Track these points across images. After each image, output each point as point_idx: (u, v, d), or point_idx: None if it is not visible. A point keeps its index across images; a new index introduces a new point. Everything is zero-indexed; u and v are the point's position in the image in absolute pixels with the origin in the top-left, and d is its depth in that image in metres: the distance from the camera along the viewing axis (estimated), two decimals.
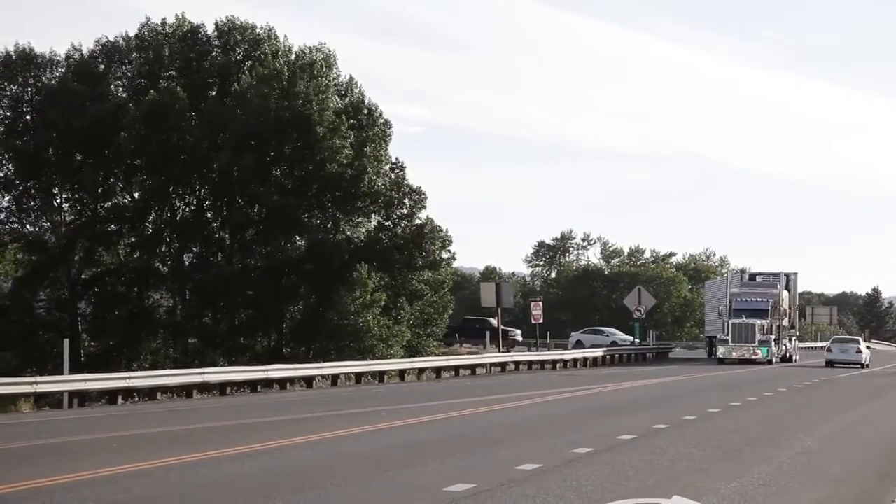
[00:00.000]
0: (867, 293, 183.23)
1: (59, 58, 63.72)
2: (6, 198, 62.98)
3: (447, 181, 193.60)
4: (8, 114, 63.29)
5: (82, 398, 34.23)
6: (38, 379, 33.29)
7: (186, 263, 64.81)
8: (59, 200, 64.24)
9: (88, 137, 60.95)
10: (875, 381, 50.23)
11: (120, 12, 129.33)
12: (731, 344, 65.44)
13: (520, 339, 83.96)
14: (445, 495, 14.54)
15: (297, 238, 63.37)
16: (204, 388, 38.20)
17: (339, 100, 64.18)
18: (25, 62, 63.02)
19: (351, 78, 65.27)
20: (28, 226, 64.29)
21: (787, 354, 70.43)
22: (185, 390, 37.50)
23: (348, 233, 62.65)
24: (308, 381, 43.24)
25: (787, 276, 73.53)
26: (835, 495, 15.76)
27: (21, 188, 62.96)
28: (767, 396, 35.87)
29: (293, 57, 63.15)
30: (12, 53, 63.08)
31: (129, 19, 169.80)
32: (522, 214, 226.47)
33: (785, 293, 70.94)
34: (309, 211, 62.66)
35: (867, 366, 65.56)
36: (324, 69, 62.51)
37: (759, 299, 67.64)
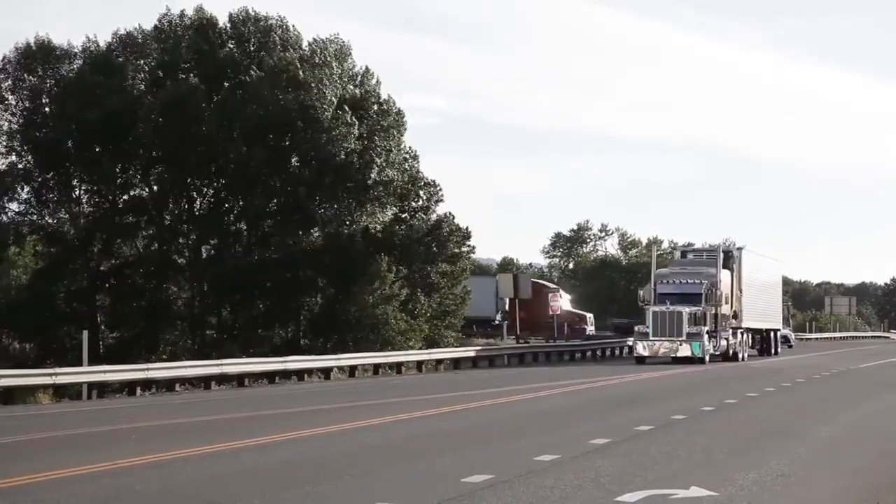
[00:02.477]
0: (887, 283, 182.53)
1: (77, 50, 63.79)
2: (25, 190, 63.09)
3: (464, 172, 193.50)
4: (27, 105, 63.36)
5: (101, 390, 34.31)
6: (58, 371, 33.44)
7: (204, 255, 64.88)
8: (77, 192, 64.34)
9: (107, 129, 60.98)
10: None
11: (137, 4, 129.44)
12: (652, 338, 53.03)
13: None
14: (464, 486, 14.55)
15: (314, 230, 63.34)
16: (222, 379, 38.30)
17: (353, 90, 64.02)
18: (44, 54, 63.09)
19: (366, 69, 65.21)
20: (47, 218, 64.38)
21: (732, 351, 56.29)
22: (204, 382, 37.60)
23: (364, 223, 62.57)
24: (326, 372, 43.32)
25: (729, 251, 58.51)
26: None
27: (40, 180, 63.04)
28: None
29: (305, 47, 63.06)
30: (32, 45, 63.16)
31: (146, 12, 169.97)
32: (539, 205, 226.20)
33: (725, 273, 56.29)
34: (325, 202, 62.62)
35: None
36: (332, 60, 62.27)
37: (689, 281, 54.38)
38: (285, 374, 41.28)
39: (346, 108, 60.81)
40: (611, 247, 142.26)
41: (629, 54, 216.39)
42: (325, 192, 62.00)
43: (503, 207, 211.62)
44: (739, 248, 59.70)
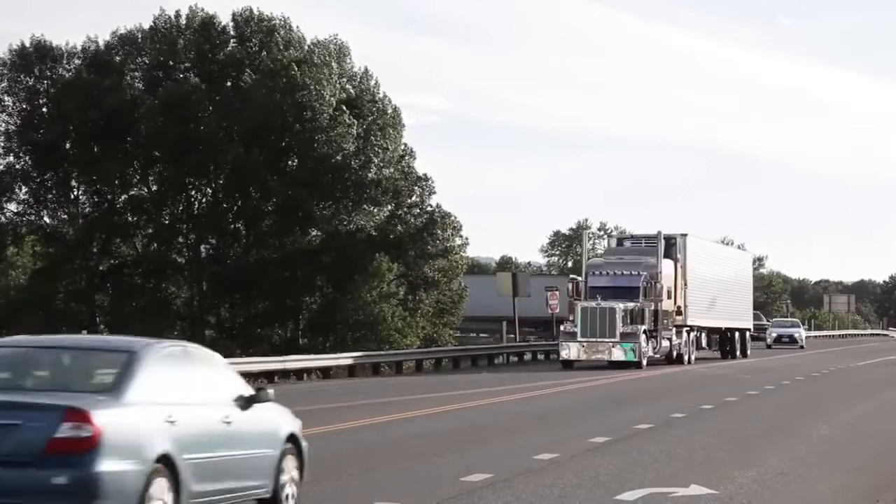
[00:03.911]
0: (885, 281, 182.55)
1: (75, 49, 63.74)
2: (23, 190, 63.07)
3: (463, 171, 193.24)
4: (24, 106, 63.32)
5: None
6: None
7: (203, 255, 64.87)
8: (76, 192, 64.31)
9: (105, 129, 60.95)
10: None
11: (136, 3, 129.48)
12: (580, 339, 45.05)
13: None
14: (463, 485, 14.55)
15: (312, 230, 63.32)
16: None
17: (351, 90, 63.97)
18: (40, 54, 63.04)
19: (366, 69, 65.17)
20: (46, 218, 64.39)
21: (675, 353, 48.53)
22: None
23: (361, 223, 62.58)
24: (325, 371, 43.28)
25: (671, 239, 49.54)
26: None
27: (38, 180, 63.01)
28: None
29: (306, 48, 63.03)
30: (28, 45, 63.12)
31: (145, 10, 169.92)
32: (538, 204, 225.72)
33: (667, 264, 48.25)
34: (323, 201, 62.60)
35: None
36: (331, 60, 62.23)
37: (625, 272, 46.89)
38: (284, 374, 41.25)
39: (345, 108, 60.77)
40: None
41: (629, 54, 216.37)
42: (323, 192, 61.98)
43: (502, 206, 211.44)
44: (683, 235, 50.33)
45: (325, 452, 18.40)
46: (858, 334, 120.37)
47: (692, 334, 50.53)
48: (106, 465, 10.28)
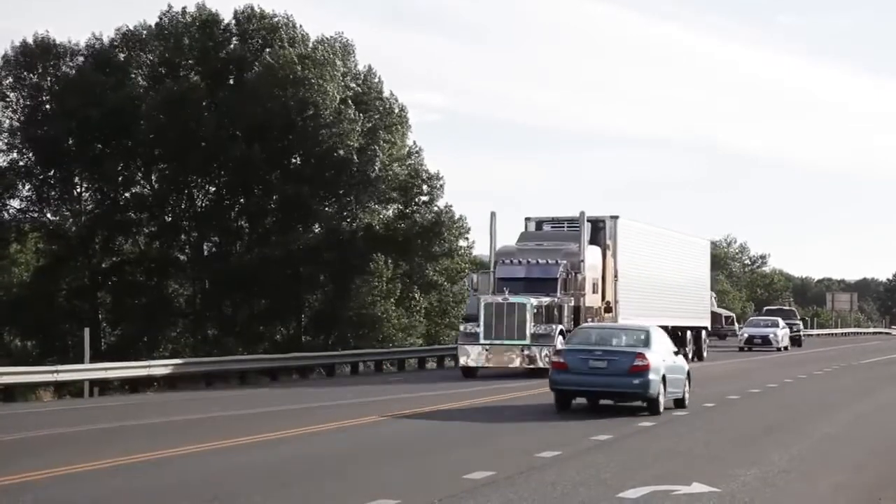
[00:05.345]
0: (888, 279, 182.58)
1: (78, 47, 63.77)
2: (26, 187, 63.07)
3: (464, 169, 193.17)
4: (28, 103, 63.33)
5: (103, 387, 34.33)
6: (59, 368, 33.40)
7: (205, 252, 64.91)
8: (78, 189, 64.34)
9: (108, 126, 60.98)
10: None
11: (137, 2, 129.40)
12: (484, 342, 37.49)
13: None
14: (465, 482, 14.56)
15: (316, 226, 63.36)
16: (224, 376, 38.31)
17: (356, 87, 64.05)
18: (43, 51, 63.07)
19: (369, 67, 65.25)
20: (48, 215, 64.37)
21: None
22: (205, 379, 37.60)
23: (367, 220, 62.61)
24: (328, 368, 43.30)
25: (599, 222, 42.19)
26: None
27: (41, 178, 63.02)
28: None
29: (310, 46, 63.06)
30: (31, 43, 63.15)
31: (145, 10, 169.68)
32: (541, 202, 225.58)
33: (593, 252, 40.94)
34: (324, 199, 62.64)
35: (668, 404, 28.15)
36: (335, 57, 62.27)
37: (541, 261, 39.30)
38: (287, 371, 41.29)
39: (350, 103, 60.85)
40: None
41: (629, 52, 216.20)
42: (326, 189, 62.02)
43: (504, 205, 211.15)
44: (614, 217, 42.57)
45: (327, 449, 18.44)
46: (861, 332, 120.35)
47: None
48: (650, 376, 24.02)
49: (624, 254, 42.81)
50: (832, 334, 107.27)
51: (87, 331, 37.57)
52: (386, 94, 64.23)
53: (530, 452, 17.33)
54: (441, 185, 63.76)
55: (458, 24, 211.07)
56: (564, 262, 39.13)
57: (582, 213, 40.14)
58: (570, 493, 13.93)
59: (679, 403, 25.90)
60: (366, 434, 20.87)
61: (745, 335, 66.11)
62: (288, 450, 18.29)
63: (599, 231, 41.89)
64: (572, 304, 39.12)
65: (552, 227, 43.02)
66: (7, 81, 63.18)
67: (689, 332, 49.06)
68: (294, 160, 63.37)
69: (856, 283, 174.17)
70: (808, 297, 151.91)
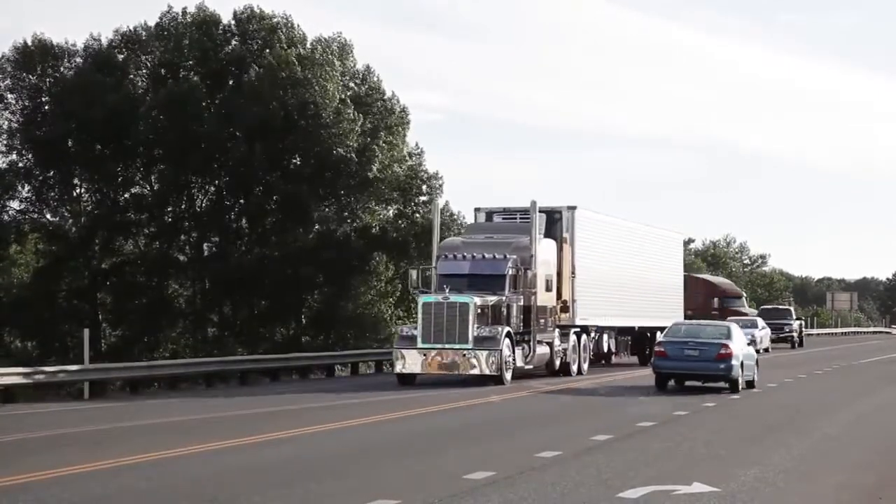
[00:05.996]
0: (888, 278, 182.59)
1: (77, 48, 63.77)
2: (26, 188, 63.08)
3: (464, 169, 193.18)
4: (27, 104, 63.35)
5: (103, 388, 34.32)
6: (59, 369, 33.39)
7: (205, 253, 64.93)
8: (78, 190, 64.35)
9: (107, 127, 60.97)
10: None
11: (136, 2, 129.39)
12: (422, 345, 33.66)
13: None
14: (466, 483, 14.56)
15: (316, 226, 63.37)
16: (224, 376, 38.30)
17: (355, 87, 64.11)
18: (42, 52, 63.07)
19: (368, 67, 65.29)
20: (48, 216, 64.39)
21: (559, 361, 37.56)
22: (206, 379, 37.60)
23: (367, 221, 62.63)
24: (328, 368, 43.29)
25: (555, 213, 38.31)
26: None
27: (41, 178, 63.02)
28: None
29: (308, 46, 63.10)
30: (29, 44, 63.14)
31: (144, 10, 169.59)
32: (540, 201, 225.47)
33: (547, 246, 37.11)
34: (323, 199, 62.64)
35: (744, 384, 32.38)
36: (333, 58, 62.28)
37: (488, 255, 35.28)
38: (287, 371, 41.29)
39: (349, 102, 60.89)
40: None
41: (629, 52, 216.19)
42: (326, 189, 62.02)
43: (504, 204, 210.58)
44: (571, 208, 38.70)
45: (328, 450, 18.45)
46: (861, 332, 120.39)
47: (586, 337, 39.61)
48: (733, 362, 30.84)
49: (583, 248, 39.14)
50: (832, 334, 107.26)
51: (86, 331, 37.50)
52: (388, 94, 64.35)
53: (530, 452, 17.33)
54: (440, 185, 63.82)
55: (459, 24, 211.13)
56: (514, 256, 35.18)
57: (533, 203, 36.12)
58: (570, 493, 13.93)
59: (749, 384, 32.27)
60: (366, 434, 20.88)
61: None
62: (288, 450, 18.30)
63: (555, 223, 38.07)
64: (521, 303, 35.28)
65: (503, 218, 38.90)
66: (6, 83, 63.21)
67: (658, 334, 43.25)
68: (294, 160, 63.39)
69: (856, 283, 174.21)
70: (808, 297, 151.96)
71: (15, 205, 63.11)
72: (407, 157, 64.02)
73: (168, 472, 15.80)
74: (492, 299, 34.32)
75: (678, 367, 31.30)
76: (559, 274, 37.64)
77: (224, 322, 63.21)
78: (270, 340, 61.23)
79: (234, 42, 63.81)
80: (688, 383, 31.57)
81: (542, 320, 36.16)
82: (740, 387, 31.29)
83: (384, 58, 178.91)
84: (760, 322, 61.72)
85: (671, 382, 31.57)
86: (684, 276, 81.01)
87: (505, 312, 34.71)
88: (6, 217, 63.09)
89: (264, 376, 39.35)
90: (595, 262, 40.06)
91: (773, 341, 62.83)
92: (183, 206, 64.46)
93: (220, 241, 64.76)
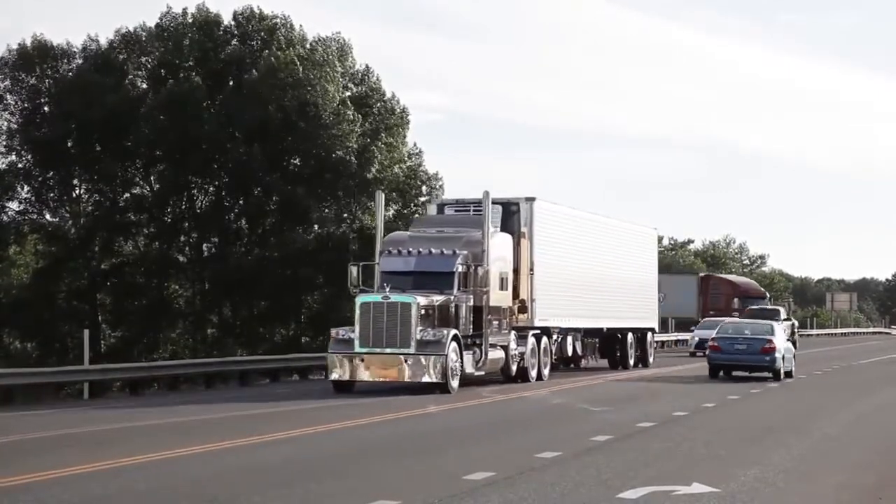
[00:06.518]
0: (888, 279, 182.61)
1: (74, 49, 63.82)
2: (25, 189, 63.17)
3: (464, 169, 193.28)
4: (26, 105, 63.42)
5: (103, 388, 34.32)
6: (59, 369, 33.39)
7: (205, 253, 64.97)
8: (78, 191, 64.41)
9: (107, 128, 61.05)
10: None
11: (134, 3, 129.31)
12: (360, 350, 30.33)
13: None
14: (465, 483, 14.56)
15: (316, 228, 63.41)
16: (224, 377, 38.28)
17: (353, 88, 64.18)
18: (41, 53, 63.10)
19: (367, 67, 65.35)
20: (47, 216, 64.51)
21: (516, 366, 33.95)
22: (205, 380, 37.58)
23: (366, 222, 62.65)
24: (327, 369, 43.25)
25: (512, 205, 35.08)
26: None
27: (40, 179, 63.12)
28: None
29: (308, 46, 63.15)
30: (28, 45, 63.17)
31: (149, 9, 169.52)
32: (540, 201, 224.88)
33: (501, 241, 33.66)
34: (322, 200, 62.67)
35: (784, 374, 37.19)
36: (333, 58, 62.32)
37: (435, 251, 31.95)
38: (287, 372, 41.29)
39: (349, 104, 60.94)
40: None
41: (629, 52, 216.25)
42: (325, 190, 62.04)
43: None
44: (530, 200, 35.54)
45: (328, 450, 18.45)
46: (860, 332, 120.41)
47: (547, 339, 35.93)
48: (776, 355, 36.42)
49: (543, 243, 35.76)
50: (831, 334, 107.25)
51: (86, 332, 37.53)
52: (387, 95, 64.44)
53: (530, 453, 17.32)
54: (440, 186, 63.88)
55: (458, 24, 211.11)
56: (465, 252, 31.81)
57: (486, 193, 32.79)
58: (569, 494, 13.93)
59: (788, 374, 37.69)
60: (366, 434, 20.88)
61: (696, 339, 57.51)
62: (288, 450, 18.30)
63: (512, 216, 34.78)
64: (472, 303, 31.86)
65: (456, 210, 35.73)
66: (5, 84, 63.28)
67: (630, 335, 42.77)
68: (294, 161, 63.44)
69: (855, 283, 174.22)
70: (808, 297, 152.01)
71: (14, 206, 63.33)
72: (406, 158, 64.08)
73: (168, 472, 15.80)
74: (438, 299, 31.03)
75: (729, 360, 36.86)
76: (516, 271, 34.27)
77: (224, 323, 63.22)
78: (270, 341, 61.26)
79: (233, 43, 63.85)
80: (735, 373, 36.98)
81: (496, 322, 32.69)
82: (781, 376, 36.59)
83: (384, 58, 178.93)
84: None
85: (720, 373, 36.95)
86: (706, 275, 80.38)
87: (453, 313, 31.30)
88: (5, 218, 63.23)
89: (264, 377, 39.34)
90: (557, 259, 36.86)
91: None
92: (183, 207, 64.52)
93: (220, 241, 64.80)
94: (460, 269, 31.57)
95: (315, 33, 64.49)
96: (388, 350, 30.18)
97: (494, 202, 33.42)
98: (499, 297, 32.84)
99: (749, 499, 13.87)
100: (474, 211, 34.21)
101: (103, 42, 63.73)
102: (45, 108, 63.49)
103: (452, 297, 31.31)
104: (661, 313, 61.47)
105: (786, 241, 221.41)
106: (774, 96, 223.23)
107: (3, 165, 62.93)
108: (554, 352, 36.81)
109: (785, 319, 65.84)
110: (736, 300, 71.52)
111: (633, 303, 43.36)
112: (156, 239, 64.67)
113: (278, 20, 63.80)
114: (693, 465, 16.60)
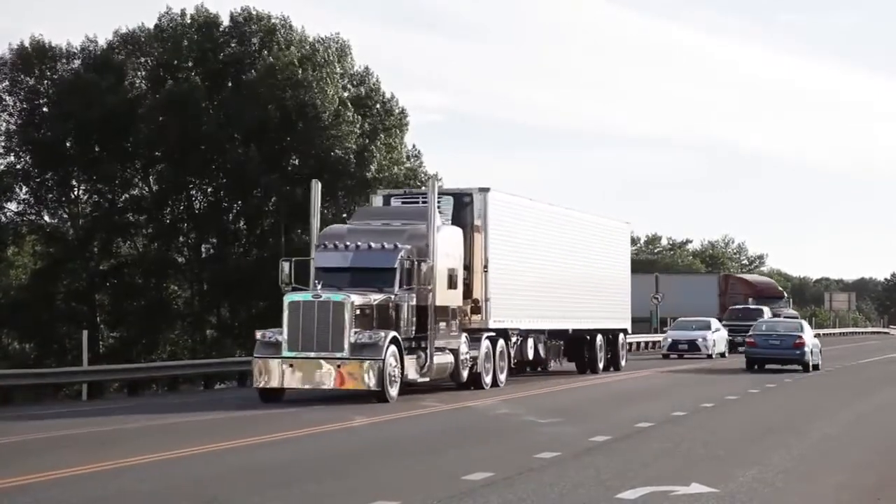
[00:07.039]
0: (886, 278, 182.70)
1: (75, 49, 63.81)
2: (24, 190, 63.16)
3: (464, 169, 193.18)
4: (25, 106, 63.40)
5: (101, 389, 34.33)
6: (58, 370, 33.40)
7: (204, 254, 64.97)
8: (76, 192, 64.41)
9: (106, 129, 61.05)
10: None
11: (133, 3, 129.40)
12: (288, 353, 27.45)
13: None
14: (464, 483, 14.55)
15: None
16: (223, 377, 38.31)
17: (352, 89, 64.21)
18: (40, 54, 63.09)
19: (367, 68, 65.37)
20: (46, 217, 64.52)
21: (468, 371, 30.84)
22: (204, 380, 37.59)
23: None
24: None
25: (464, 196, 32.30)
26: None
27: (39, 180, 63.09)
28: None
29: (307, 47, 63.17)
30: (27, 46, 63.16)
31: (148, 10, 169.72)
32: (539, 200, 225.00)
33: (449, 234, 30.64)
34: (324, 200, 62.60)
35: (812, 367, 42.19)
36: (333, 59, 62.35)
37: (374, 245, 28.94)
38: None
39: (349, 104, 60.96)
40: None
41: (629, 52, 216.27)
42: (324, 190, 61.98)
43: None
44: (483, 190, 32.36)
45: (327, 451, 18.45)
46: (859, 332, 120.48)
47: (504, 342, 32.83)
48: (805, 349, 41.54)
49: (499, 237, 32.62)
50: (830, 334, 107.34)
51: (85, 333, 37.53)
52: (388, 96, 64.50)
53: (529, 454, 17.30)
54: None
55: (458, 24, 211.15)
56: (408, 246, 28.85)
57: (432, 181, 30.82)
58: (568, 494, 13.92)
59: (815, 367, 42.39)
60: (365, 435, 20.87)
61: (670, 340, 54.84)
62: (288, 451, 18.29)
63: (465, 208, 31.96)
64: (414, 302, 28.81)
65: (403, 201, 33.16)
66: (3, 85, 63.27)
67: (599, 337, 39.83)
68: (293, 162, 63.44)
69: (854, 283, 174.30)
70: (806, 297, 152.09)
71: (13, 206, 63.33)
72: (405, 159, 64.12)
73: (167, 473, 15.79)
74: (377, 298, 27.97)
75: (765, 354, 42.05)
76: (469, 268, 31.31)
77: (222, 323, 63.20)
78: None
79: (233, 43, 63.86)
80: (769, 366, 41.70)
81: (444, 323, 29.64)
82: (810, 368, 41.58)
83: (384, 58, 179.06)
84: (714, 323, 56.88)
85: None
86: (726, 275, 79.82)
87: (394, 314, 28.27)
88: (4, 219, 63.23)
89: None
90: (515, 254, 33.71)
91: (738, 344, 55.07)
92: (181, 208, 64.54)
93: (219, 242, 64.80)
94: (403, 264, 28.61)
95: (315, 34, 64.57)
96: (318, 354, 27.12)
97: (445, 193, 31.55)
98: (447, 296, 29.83)
99: (748, 499, 13.86)
100: (423, 202, 30.76)
101: (102, 43, 63.79)
102: (44, 109, 63.48)
103: (393, 296, 28.30)
104: (682, 313, 61.06)
105: (784, 240, 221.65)
106: (774, 96, 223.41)
107: (2, 166, 62.96)
108: (513, 355, 33.74)
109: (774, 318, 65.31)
110: (750, 300, 71.32)
111: (603, 302, 40.39)
112: (154, 240, 64.68)
113: (278, 21, 63.81)
114: (692, 465, 16.59)
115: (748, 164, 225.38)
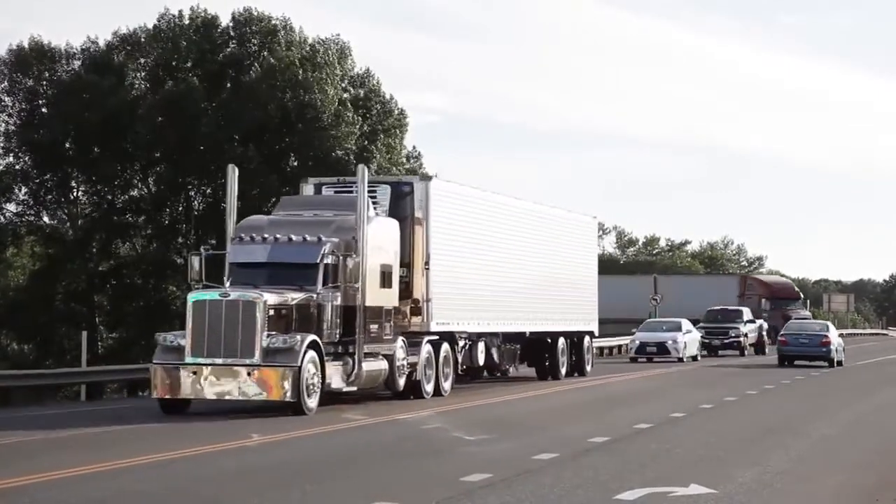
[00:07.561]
0: (885, 280, 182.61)
1: (74, 50, 63.75)
2: (23, 190, 63.08)
3: (464, 169, 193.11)
4: (24, 106, 63.34)
5: (100, 390, 34.30)
6: (57, 371, 33.37)
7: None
8: (75, 193, 64.36)
9: (105, 129, 60.97)
10: None
11: (132, 4, 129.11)
12: (192, 359, 23.89)
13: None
14: (462, 485, 14.55)
15: None
16: None
17: (352, 90, 64.19)
18: (38, 55, 63.05)
19: (367, 70, 65.34)
20: (45, 218, 64.44)
21: (407, 380, 27.60)
22: None
23: None
24: None
25: (403, 185, 29.10)
26: None
27: (38, 181, 63.00)
28: None
29: (307, 48, 63.14)
30: (26, 46, 63.12)
31: (148, 10, 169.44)
32: (538, 201, 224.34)
33: (385, 226, 27.43)
34: None
35: (837, 363, 46.08)
36: (333, 59, 62.33)
37: (295, 237, 25.42)
38: None
39: (349, 105, 60.95)
40: (609, 245, 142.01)
41: (629, 52, 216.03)
42: None
43: None
44: (426, 179, 29.79)
45: (325, 452, 18.44)
46: (857, 333, 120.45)
47: (448, 347, 29.57)
48: (831, 347, 45.72)
49: (443, 231, 29.21)
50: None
51: (84, 334, 37.52)
52: (388, 97, 64.50)
53: (528, 455, 17.30)
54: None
55: (458, 24, 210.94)
56: (335, 239, 25.47)
57: (361, 168, 26.54)
58: (567, 495, 13.91)
59: (839, 363, 46.01)
60: (364, 436, 20.86)
61: (637, 342, 51.46)
62: (287, 452, 18.29)
63: (404, 198, 28.53)
64: (339, 302, 25.28)
65: (336, 191, 29.35)
66: (2, 85, 63.22)
67: (562, 340, 36.32)
68: (292, 163, 63.41)
69: (852, 284, 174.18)
70: (805, 298, 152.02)
71: (12, 207, 63.22)
72: (405, 160, 64.12)
73: (167, 474, 15.79)
74: (296, 297, 24.63)
75: (795, 351, 45.94)
76: (408, 265, 28.12)
77: None
78: None
79: (232, 44, 63.82)
80: (797, 362, 45.12)
81: (376, 325, 26.23)
82: (835, 364, 45.46)
83: (384, 58, 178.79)
84: (686, 324, 52.98)
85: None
86: (744, 276, 79.18)
87: (316, 315, 24.88)
88: (3, 219, 63.17)
89: None
90: (462, 250, 30.34)
91: (716, 348, 55.81)
92: (181, 208, 64.48)
93: (218, 242, 64.72)
94: (329, 260, 25.17)
95: (315, 35, 64.51)
96: (227, 360, 23.72)
97: (381, 181, 28.80)
98: (380, 296, 26.41)
99: (747, 500, 13.86)
100: (356, 189, 26.55)
101: (101, 43, 63.72)
102: (43, 110, 63.43)
103: (315, 296, 24.85)
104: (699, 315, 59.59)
105: (783, 241, 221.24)
106: (775, 96, 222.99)
107: (1, 167, 62.85)
108: (461, 361, 30.54)
109: (749, 321, 59.36)
110: (764, 301, 70.79)
111: (566, 303, 36.84)
112: (154, 240, 64.62)
113: (278, 22, 63.78)
114: (691, 466, 16.59)
115: (748, 165, 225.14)
